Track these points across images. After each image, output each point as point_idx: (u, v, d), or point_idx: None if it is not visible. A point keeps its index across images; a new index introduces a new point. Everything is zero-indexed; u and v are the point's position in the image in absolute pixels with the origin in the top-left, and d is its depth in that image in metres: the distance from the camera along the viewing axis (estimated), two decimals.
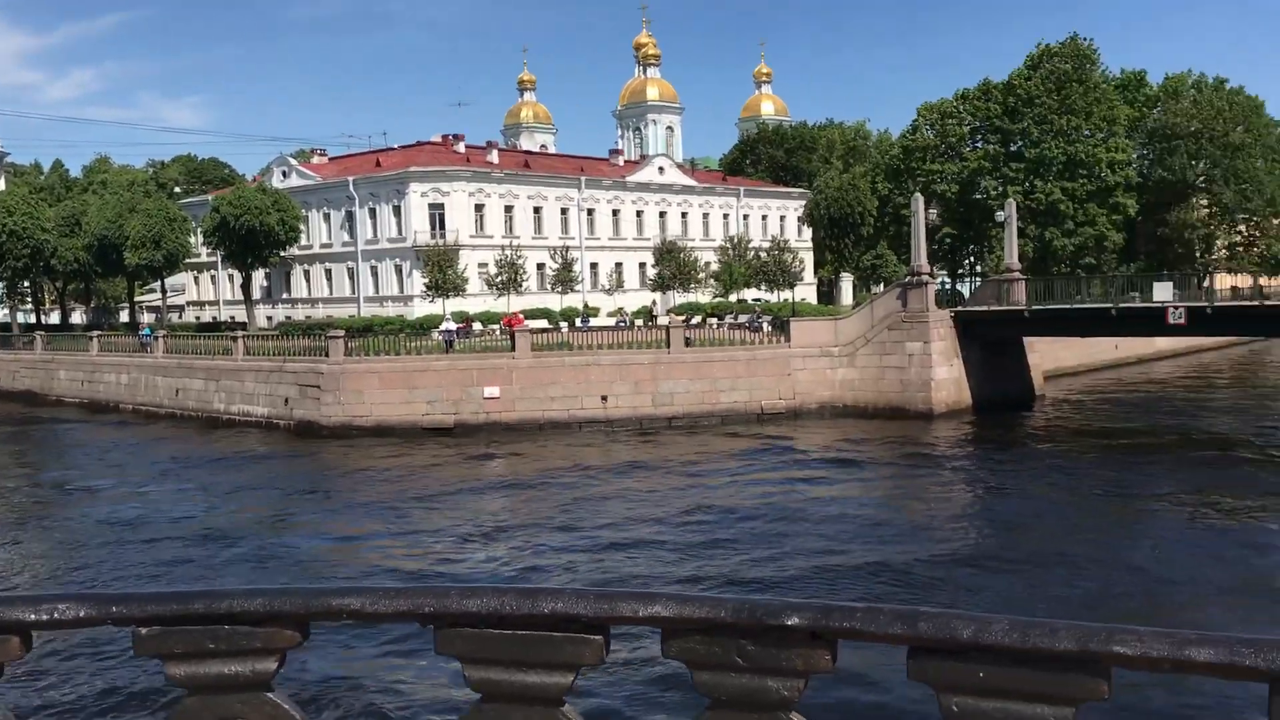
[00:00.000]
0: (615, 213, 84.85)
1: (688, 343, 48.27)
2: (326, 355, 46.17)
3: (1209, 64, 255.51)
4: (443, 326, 51.47)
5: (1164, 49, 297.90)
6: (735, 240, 78.43)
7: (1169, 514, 28.27)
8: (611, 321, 61.28)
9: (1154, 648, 1.72)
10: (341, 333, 48.21)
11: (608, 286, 75.55)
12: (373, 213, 76.38)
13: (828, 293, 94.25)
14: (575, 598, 2.04)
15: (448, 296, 62.20)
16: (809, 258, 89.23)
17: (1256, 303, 45.92)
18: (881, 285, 74.23)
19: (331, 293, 79.51)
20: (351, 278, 77.78)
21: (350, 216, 77.42)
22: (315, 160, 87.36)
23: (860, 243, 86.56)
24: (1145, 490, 31.26)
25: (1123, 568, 22.83)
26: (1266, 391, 59.32)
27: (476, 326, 57.27)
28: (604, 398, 45.75)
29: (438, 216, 74.20)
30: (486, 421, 44.81)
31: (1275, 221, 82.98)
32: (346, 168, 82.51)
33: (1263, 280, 58.04)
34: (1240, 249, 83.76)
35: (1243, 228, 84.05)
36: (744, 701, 1.98)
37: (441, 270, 63.15)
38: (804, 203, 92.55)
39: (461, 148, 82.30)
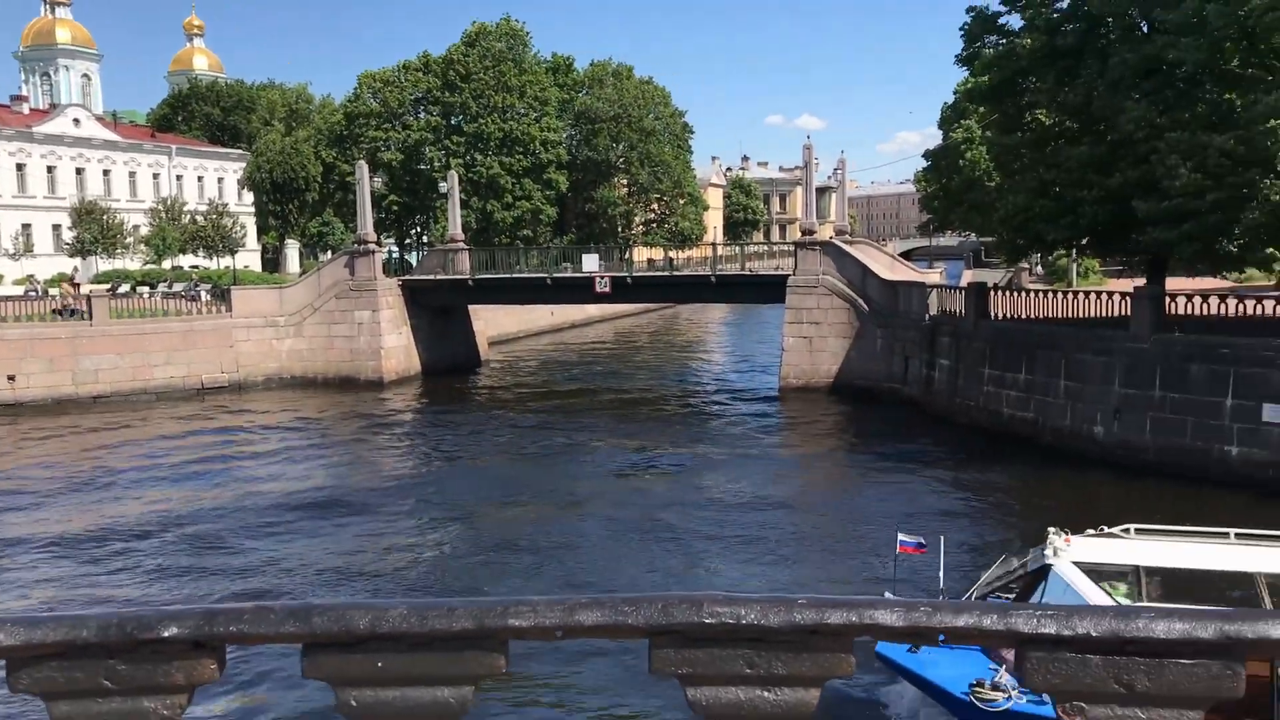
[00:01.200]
0: (20, 167, 74.75)
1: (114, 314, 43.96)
2: None
3: (626, 54, 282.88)
4: None
5: (588, 37, 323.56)
6: (168, 202, 72.74)
7: (598, 463, 30.95)
8: (19, 290, 54.02)
9: (547, 616, 1.74)
10: None
11: (13, 251, 66.43)
12: None
13: (273, 260, 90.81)
14: None
15: None
16: (251, 223, 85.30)
17: (668, 274, 51.66)
18: (329, 253, 72.99)
19: None
20: None
21: None
22: None
23: (306, 209, 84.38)
24: (576, 441, 34.05)
25: (554, 517, 24.63)
26: (674, 352, 67.09)
27: None
28: (11, 377, 40.27)
29: None
30: None
31: (682, 201, 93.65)
32: None
33: (673, 253, 65.35)
34: (654, 225, 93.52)
35: (656, 206, 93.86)
36: None
37: None
38: (244, 165, 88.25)
39: None
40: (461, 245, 52.82)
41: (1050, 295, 34.00)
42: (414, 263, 71.71)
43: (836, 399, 40.02)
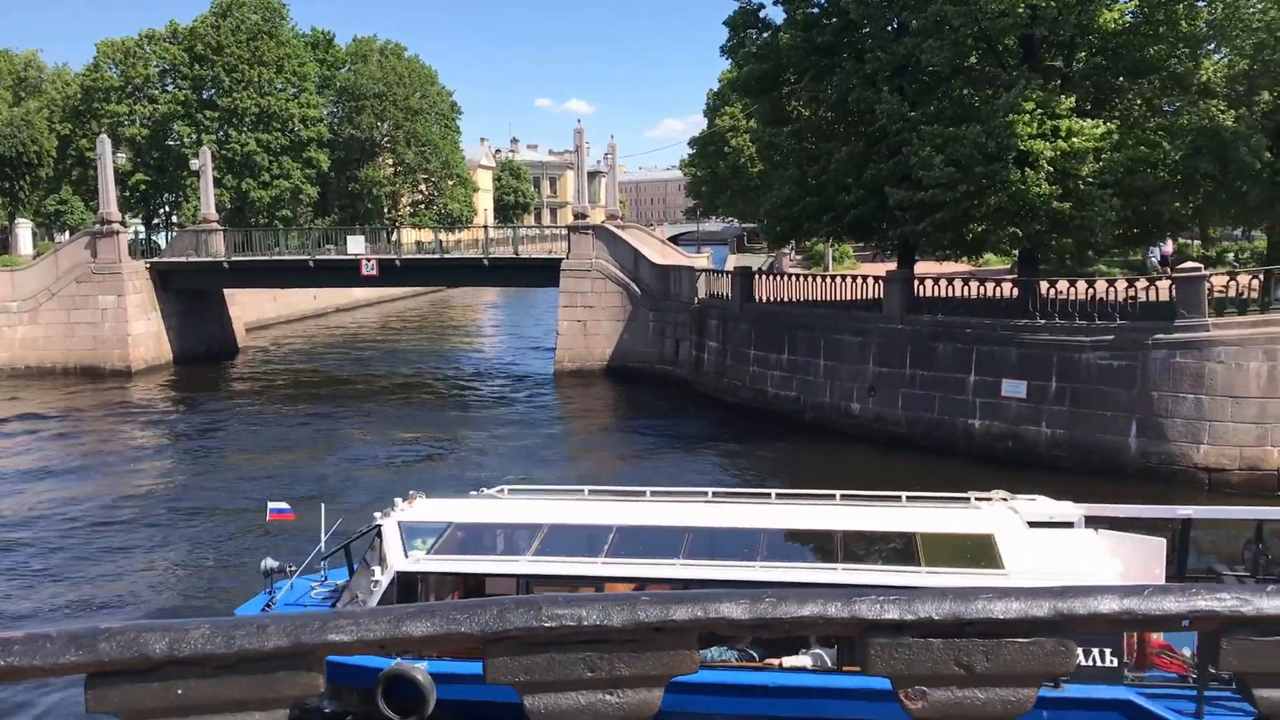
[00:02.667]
0: None
1: None
2: None
3: (392, 31, 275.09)
4: None
5: (353, 11, 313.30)
6: None
7: (358, 453, 29.98)
8: None
9: (371, 629, 1.60)
10: None
11: None
12: None
13: (2, 241, 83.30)
14: None
15: None
16: None
17: (438, 256, 50.69)
18: (67, 234, 67.63)
19: None
20: None
21: None
22: None
23: (39, 186, 77.81)
24: (337, 430, 32.98)
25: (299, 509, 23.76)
26: (445, 336, 66.11)
27: None
28: None
29: None
30: None
31: (450, 183, 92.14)
32: None
33: (443, 236, 64.21)
34: (423, 206, 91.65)
35: (424, 187, 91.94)
36: None
37: None
38: None
39: None
40: (215, 226, 50.10)
41: (810, 279, 35.53)
42: (163, 244, 67.55)
43: (610, 381, 40.47)
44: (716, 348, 36.39)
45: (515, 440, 31.24)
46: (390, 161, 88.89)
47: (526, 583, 12.55)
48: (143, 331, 45.11)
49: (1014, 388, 26.10)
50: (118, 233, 45.08)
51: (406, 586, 12.88)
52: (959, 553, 12.73)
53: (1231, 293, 25.13)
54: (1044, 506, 13.89)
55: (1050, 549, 12.52)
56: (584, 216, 43.85)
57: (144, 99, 75.88)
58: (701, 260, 49.47)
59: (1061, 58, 28.99)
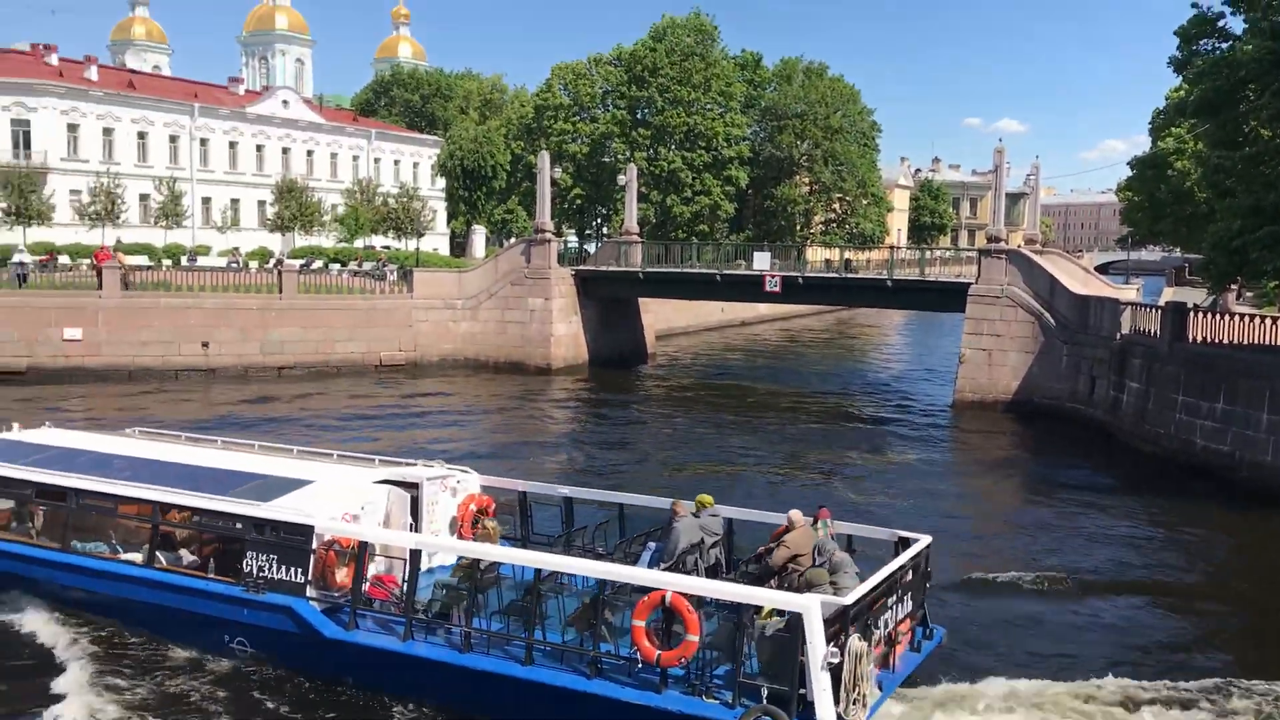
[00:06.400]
0: (233, 145, 79.18)
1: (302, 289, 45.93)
2: None
3: (816, 51, 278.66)
4: (15, 258, 45.57)
5: (778, 35, 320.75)
6: (363, 184, 75.67)
7: (755, 460, 30.24)
8: (223, 262, 57.15)
9: None
10: None
11: (221, 224, 70.34)
12: None
13: (461, 244, 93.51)
14: None
15: (29, 225, 55.21)
16: (442, 208, 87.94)
17: (841, 275, 50.33)
18: (513, 240, 74.54)
19: None
20: None
21: None
22: None
23: (493, 196, 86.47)
24: (734, 440, 33.45)
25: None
26: (843, 356, 65.53)
27: (64, 260, 51.30)
28: (205, 344, 42.62)
29: (22, 134, 66.13)
30: (67, 366, 40.59)
31: (865, 202, 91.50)
32: None
33: (850, 255, 63.72)
34: (834, 225, 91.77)
35: (837, 205, 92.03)
36: None
37: (23, 195, 55.73)
38: (438, 151, 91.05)
39: (54, 60, 73.26)
40: (635, 238, 52.89)
41: (1258, 320, 31.28)
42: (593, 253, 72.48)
43: (1014, 417, 38.08)
44: (1138, 389, 33.04)
45: (903, 467, 30.14)
46: (806, 180, 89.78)
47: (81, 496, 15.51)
48: (564, 333, 48.60)
49: None
50: (549, 241, 48.90)
51: None
52: (278, 488, 14.59)
53: None
54: (421, 471, 16.08)
55: (326, 496, 14.44)
56: (998, 240, 41.64)
57: (587, 118, 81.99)
58: (1130, 292, 45.35)
59: None
